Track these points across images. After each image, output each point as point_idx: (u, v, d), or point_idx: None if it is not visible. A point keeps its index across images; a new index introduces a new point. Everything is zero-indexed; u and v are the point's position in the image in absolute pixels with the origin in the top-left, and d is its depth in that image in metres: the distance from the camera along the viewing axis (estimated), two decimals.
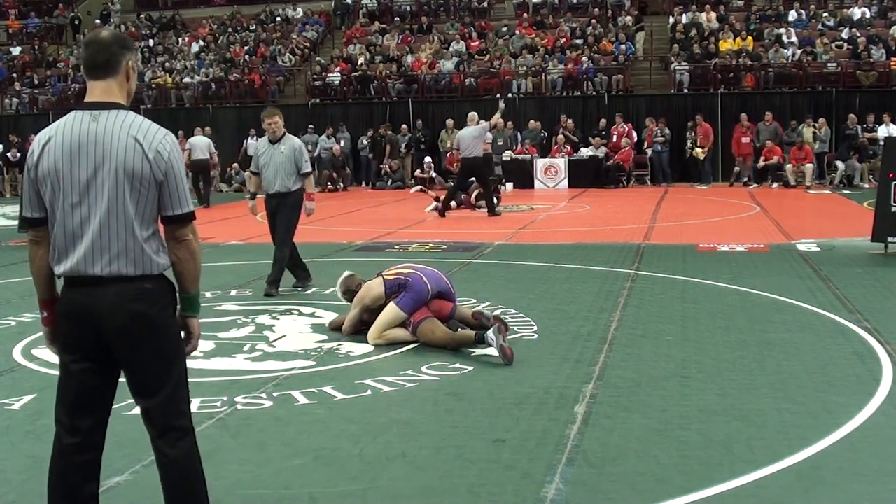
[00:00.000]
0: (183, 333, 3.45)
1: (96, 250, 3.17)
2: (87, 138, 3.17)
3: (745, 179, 22.17)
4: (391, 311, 6.78)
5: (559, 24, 28.32)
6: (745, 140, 22.21)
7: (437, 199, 17.54)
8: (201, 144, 20.94)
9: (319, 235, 14.40)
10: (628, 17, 27.97)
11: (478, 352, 6.49)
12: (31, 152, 3.29)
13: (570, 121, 24.18)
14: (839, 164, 21.53)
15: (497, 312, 7.80)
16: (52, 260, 3.27)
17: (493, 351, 6.22)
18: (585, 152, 23.28)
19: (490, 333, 6.22)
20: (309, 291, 9.21)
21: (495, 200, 16.90)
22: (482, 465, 4.38)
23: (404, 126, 25.14)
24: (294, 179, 9.10)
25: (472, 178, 17.36)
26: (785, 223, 14.29)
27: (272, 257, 9.25)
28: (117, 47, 3.27)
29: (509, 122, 23.72)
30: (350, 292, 7.28)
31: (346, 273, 7.52)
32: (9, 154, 25.18)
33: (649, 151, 23.17)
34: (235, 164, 25.45)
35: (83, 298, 3.20)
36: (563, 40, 27.14)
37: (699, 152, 22.64)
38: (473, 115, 17.17)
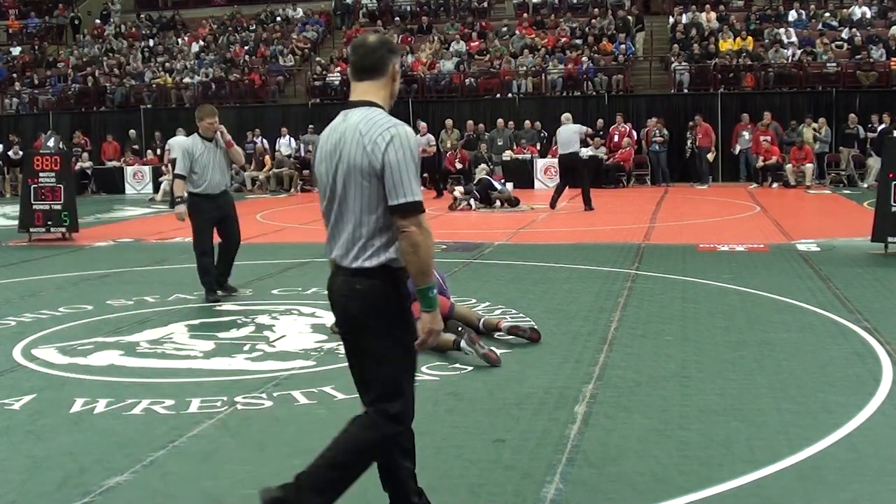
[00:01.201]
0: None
1: (336, 239, 3.41)
2: (335, 136, 3.41)
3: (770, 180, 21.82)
4: None
5: (559, 24, 28.33)
6: (762, 139, 22.02)
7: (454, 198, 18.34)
8: (180, 143, 20.83)
9: (320, 235, 14.39)
10: (629, 17, 27.97)
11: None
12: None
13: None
14: (871, 162, 21.15)
15: (497, 312, 7.81)
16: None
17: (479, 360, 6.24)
18: (585, 152, 23.24)
19: (463, 344, 6.24)
20: (309, 291, 9.21)
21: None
22: (482, 465, 4.38)
23: None
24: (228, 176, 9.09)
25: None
26: (785, 223, 14.29)
27: (220, 253, 9.08)
28: (385, 51, 3.46)
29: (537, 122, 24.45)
30: None
31: None
32: (10, 152, 25.12)
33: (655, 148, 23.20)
34: (235, 165, 25.42)
35: (330, 282, 3.48)
36: (564, 40, 27.15)
37: (709, 157, 22.57)
38: (568, 115, 18.25)
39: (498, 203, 18.11)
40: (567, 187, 17.62)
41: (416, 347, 3.40)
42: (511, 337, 6.87)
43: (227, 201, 9.02)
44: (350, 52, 3.53)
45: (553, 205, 17.27)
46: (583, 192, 17.13)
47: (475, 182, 19.09)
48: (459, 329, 6.69)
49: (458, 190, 19.00)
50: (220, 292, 8.96)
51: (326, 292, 3.51)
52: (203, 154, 8.76)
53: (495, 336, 6.94)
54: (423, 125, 22.35)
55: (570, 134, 17.25)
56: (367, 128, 3.30)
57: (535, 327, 6.99)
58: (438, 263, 7.78)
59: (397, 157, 3.25)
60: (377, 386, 3.38)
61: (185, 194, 8.82)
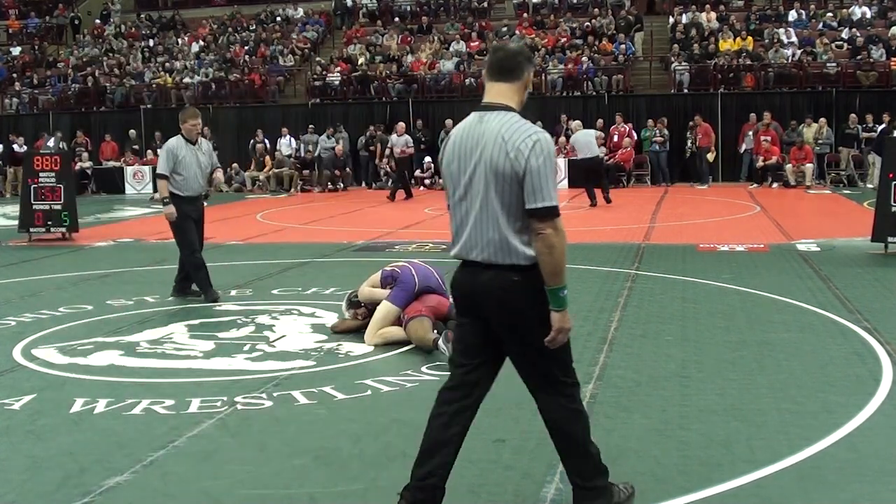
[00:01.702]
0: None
1: (473, 238, 3.54)
2: (471, 138, 3.53)
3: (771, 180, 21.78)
4: (383, 307, 6.84)
5: (559, 24, 28.33)
6: (763, 139, 22.00)
7: None
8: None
9: (320, 235, 14.41)
10: (629, 17, 27.97)
11: None
12: (440, 152, 3.74)
13: (571, 122, 24.17)
14: (871, 159, 21.13)
15: None
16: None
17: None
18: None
19: (440, 343, 6.23)
20: (309, 291, 9.21)
21: None
22: (482, 465, 4.38)
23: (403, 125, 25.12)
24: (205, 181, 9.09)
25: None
26: (785, 223, 14.29)
27: (186, 264, 8.96)
28: (523, 58, 3.64)
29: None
30: (350, 301, 7.28)
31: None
32: (14, 146, 25.06)
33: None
34: (235, 164, 25.45)
35: (468, 279, 3.61)
36: (564, 40, 27.15)
37: (709, 157, 22.60)
38: (579, 122, 19.60)
39: None
40: (591, 186, 18.28)
41: (546, 344, 3.53)
42: None
43: (201, 204, 9.05)
44: (490, 54, 3.69)
45: (596, 201, 17.92)
46: (603, 189, 18.16)
47: None
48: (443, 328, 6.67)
49: None
50: (189, 297, 8.94)
51: (456, 289, 3.69)
52: (186, 156, 8.81)
53: None
54: (400, 126, 21.94)
55: (588, 139, 18.27)
56: (510, 133, 3.44)
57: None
58: (438, 263, 7.80)
59: (538, 163, 3.42)
60: (550, 369, 3.62)
61: (166, 194, 8.82)
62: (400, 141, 21.25)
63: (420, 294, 6.85)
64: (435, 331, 6.56)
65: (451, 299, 7.05)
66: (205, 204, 9.14)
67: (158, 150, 26.41)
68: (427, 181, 23.80)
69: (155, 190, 24.08)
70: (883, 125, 20.49)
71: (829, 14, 26.59)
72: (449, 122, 24.46)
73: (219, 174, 9.49)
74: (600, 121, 23.88)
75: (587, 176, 18.71)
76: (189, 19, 33.52)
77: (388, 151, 21.98)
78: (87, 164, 25.58)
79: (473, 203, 3.52)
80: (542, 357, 3.57)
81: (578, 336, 6.93)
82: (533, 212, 3.42)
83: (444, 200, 3.78)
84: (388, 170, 24.30)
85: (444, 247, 12.26)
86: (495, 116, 3.51)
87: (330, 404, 5.44)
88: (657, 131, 23.10)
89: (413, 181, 24.31)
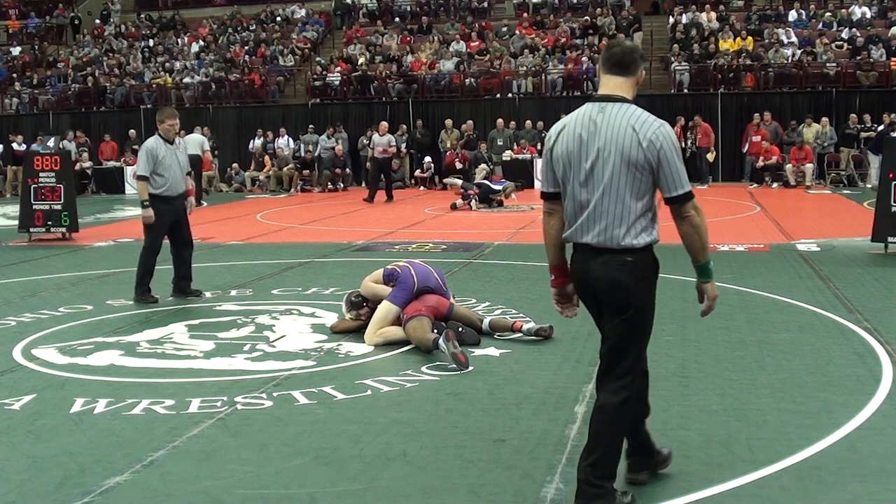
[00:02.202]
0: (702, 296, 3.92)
1: (591, 223, 3.72)
2: (594, 127, 3.69)
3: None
4: (383, 306, 6.85)
5: (559, 24, 28.33)
6: (755, 139, 22.05)
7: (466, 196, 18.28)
8: (193, 141, 20.84)
9: (320, 235, 14.41)
10: (630, 17, 27.99)
11: (477, 352, 6.49)
12: (548, 137, 3.90)
13: None
14: (871, 160, 21.14)
15: (497, 313, 7.81)
16: (566, 227, 3.85)
17: (480, 352, 6.21)
18: None
19: (441, 342, 6.22)
20: (309, 291, 9.21)
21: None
22: (482, 465, 4.38)
23: (403, 126, 25.15)
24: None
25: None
26: (785, 223, 14.29)
27: (176, 259, 9.06)
28: (638, 55, 3.87)
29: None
30: (351, 302, 7.27)
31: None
32: (13, 144, 25.07)
33: None
34: (235, 164, 25.47)
35: (582, 262, 3.80)
36: (563, 40, 27.14)
37: (709, 157, 22.62)
38: None
39: (502, 200, 18.07)
40: None
41: (701, 314, 3.90)
42: (517, 335, 6.86)
43: (181, 204, 9.01)
44: (605, 49, 3.89)
45: None
46: None
47: (475, 184, 19.04)
48: (442, 327, 6.68)
49: (455, 182, 18.92)
50: (189, 297, 8.96)
51: (573, 275, 3.87)
52: (166, 156, 8.78)
53: (496, 336, 6.93)
54: (382, 125, 21.07)
55: None
56: (640, 124, 3.66)
57: (551, 325, 6.94)
58: (438, 263, 7.80)
59: (670, 153, 3.67)
60: (632, 350, 3.84)
61: (147, 196, 8.78)
62: (382, 140, 20.38)
63: (419, 294, 6.86)
64: (435, 330, 6.56)
65: (451, 300, 7.07)
66: (188, 208, 9.10)
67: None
68: (426, 181, 23.81)
69: None
70: (881, 125, 20.49)
71: (829, 14, 26.59)
72: (449, 121, 24.53)
73: (191, 185, 9.37)
74: None
75: None
76: (189, 19, 33.52)
77: (369, 152, 20.97)
78: (88, 163, 25.57)
79: (595, 189, 3.69)
80: (633, 337, 3.81)
81: (578, 336, 6.94)
82: (674, 199, 3.71)
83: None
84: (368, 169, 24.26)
85: (444, 247, 12.27)
86: (618, 108, 3.70)
87: (330, 404, 5.44)
88: None
89: (413, 181, 24.35)
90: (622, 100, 3.72)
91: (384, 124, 21.15)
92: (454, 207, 18.06)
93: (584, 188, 3.72)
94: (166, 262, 9.26)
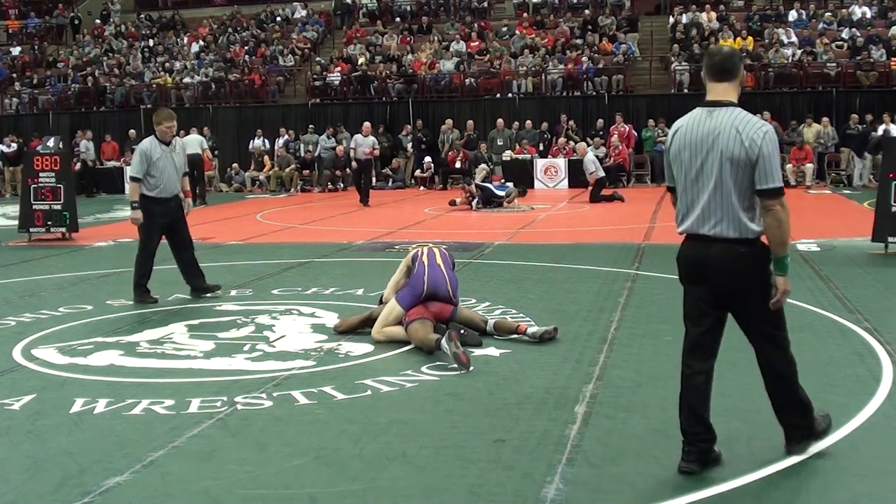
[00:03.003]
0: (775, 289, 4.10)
1: (705, 216, 4.10)
2: (703, 129, 4.13)
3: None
4: (390, 305, 6.90)
5: (559, 24, 28.33)
6: None
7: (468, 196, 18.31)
8: (193, 141, 20.84)
9: (320, 235, 14.41)
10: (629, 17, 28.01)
11: (477, 352, 6.49)
12: (667, 139, 4.39)
13: (571, 122, 24.23)
14: (856, 162, 21.20)
15: (497, 313, 7.81)
16: (676, 220, 4.24)
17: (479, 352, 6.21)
18: (591, 156, 23.23)
19: (443, 342, 6.22)
20: (309, 291, 9.21)
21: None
22: (482, 465, 4.38)
23: (407, 126, 25.15)
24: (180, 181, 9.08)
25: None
26: None
27: (184, 263, 9.04)
28: (738, 59, 4.24)
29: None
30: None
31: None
32: (2, 146, 25.08)
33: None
34: (235, 164, 25.47)
35: (698, 252, 4.16)
36: (563, 40, 27.14)
37: None
38: (583, 145, 20.62)
39: (505, 203, 18.06)
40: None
41: (771, 306, 4.08)
42: (518, 336, 6.86)
43: (177, 205, 9.01)
44: (707, 58, 4.30)
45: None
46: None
47: (478, 187, 18.95)
48: (444, 327, 6.67)
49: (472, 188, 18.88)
50: (208, 294, 8.98)
51: (684, 260, 4.20)
52: (161, 158, 8.77)
53: (495, 337, 6.93)
54: (366, 126, 20.41)
55: (587, 163, 19.49)
56: (743, 126, 4.04)
57: (555, 327, 6.94)
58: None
59: (768, 150, 4.01)
60: (769, 326, 4.16)
61: (137, 197, 8.78)
62: (367, 141, 19.64)
63: (426, 299, 6.86)
64: (462, 330, 6.59)
65: (456, 306, 7.04)
66: (186, 210, 9.09)
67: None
68: (427, 181, 23.80)
69: None
70: (883, 125, 20.50)
71: (829, 14, 26.59)
72: (449, 121, 24.52)
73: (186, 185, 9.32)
74: (600, 121, 23.89)
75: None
76: (189, 19, 33.52)
77: (351, 153, 20.10)
78: (92, 155, 25.57)
79: (706, 185, 4.08)
80: (763, 316, 4.12)
81: (578, 336, 6.94)
82: (764, 191, 4.01)
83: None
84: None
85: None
86: (725, 112, 4.10)
87: (330, 404, 5.43)
88: (660, 131, 23.08)
89: (413, 181, 24.35)
90: (729, 104, 4.13)
91: (367, 125, 20.57)
92: (453, 204, 18.07)
93: (695, 185, 4.11)
94: (165, 262, 9.26)
